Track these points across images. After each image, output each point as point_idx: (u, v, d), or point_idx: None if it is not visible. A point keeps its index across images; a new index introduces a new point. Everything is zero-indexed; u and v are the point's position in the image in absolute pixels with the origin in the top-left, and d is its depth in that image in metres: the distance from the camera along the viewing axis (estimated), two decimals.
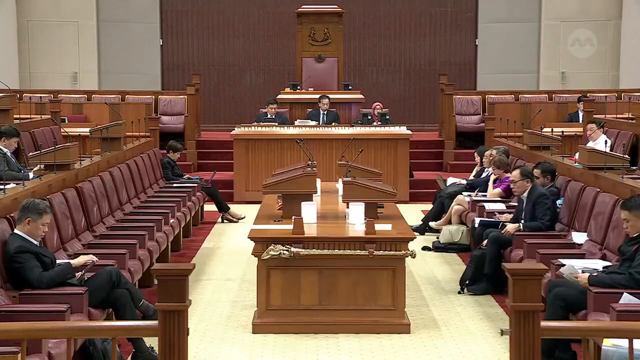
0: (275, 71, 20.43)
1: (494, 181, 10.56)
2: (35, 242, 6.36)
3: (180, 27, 20.43)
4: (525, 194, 8.60)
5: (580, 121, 15.26)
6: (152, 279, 8.31)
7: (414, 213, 12.43)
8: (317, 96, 15.52)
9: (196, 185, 11.90)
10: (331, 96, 15.35)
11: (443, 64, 20.30)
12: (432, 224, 11.21)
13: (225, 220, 12.46)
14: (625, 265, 6.24)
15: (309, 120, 14.91)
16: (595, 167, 8.62)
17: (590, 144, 11.21)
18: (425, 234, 11.22)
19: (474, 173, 11.76)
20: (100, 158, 10.04)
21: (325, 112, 15.08)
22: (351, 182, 7.76)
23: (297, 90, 16.41)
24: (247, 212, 12.38)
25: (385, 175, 11.86)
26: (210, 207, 12.78)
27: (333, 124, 14.78)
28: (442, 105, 17.27)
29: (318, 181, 8.39)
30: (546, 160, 9.62)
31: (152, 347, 6.42)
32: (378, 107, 15.42)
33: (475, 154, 11.79)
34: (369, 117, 14.66)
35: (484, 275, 8.38)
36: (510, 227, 8.47)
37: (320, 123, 14.88)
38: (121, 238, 8.19)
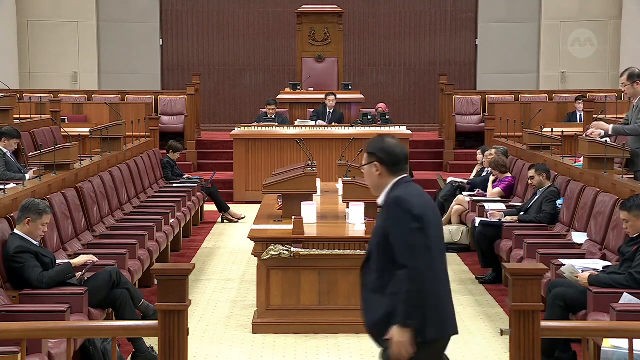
0: (275, 71, 20.42)
1: (493, 181, 10.55)
2: (35, 242, 6.36)
3: (180, 27, 20.42)
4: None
5: (578, 121, 15.25)
6: (152, 279, 8.32)
7: None
8: (317, 96, 15.50)
9: (196, 185, 11.90)
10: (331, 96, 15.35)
11: (443, 64, 20.29)
12: None
13: (225, 220, 12.46)
14: (625, 266, 6.24)
15: (314, 119, 14.89)
16: (595, 157, 8.59)
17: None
18: None
19: (474, 172, 11.74)
20: (100, 158, 10.03)
21: (331, 111, 15.08)
22: (351, 182, 7.76)
23: (297, 90, 16.41)
24: (247, 212, 12.38)
25: None
26: (210, 207, 12.78)
27: (333, 124, 14.76)
28: (442, 105, 17.26)
29: (318, 181, 8.39)
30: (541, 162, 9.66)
31: (152, 347, 6.42)
32: (381, 108, 15.40)
33: (479, 152, 11.75)
34: (370, 117, 14.63)
35: None
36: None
37: (326, 121, 14.88)
38: (121, 238, 8.19)
